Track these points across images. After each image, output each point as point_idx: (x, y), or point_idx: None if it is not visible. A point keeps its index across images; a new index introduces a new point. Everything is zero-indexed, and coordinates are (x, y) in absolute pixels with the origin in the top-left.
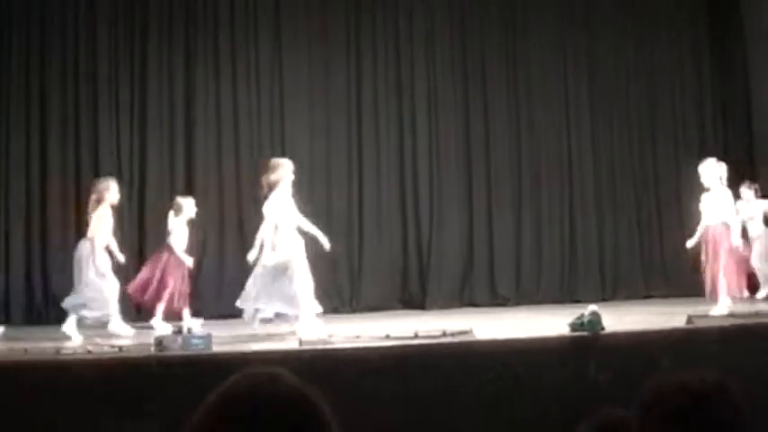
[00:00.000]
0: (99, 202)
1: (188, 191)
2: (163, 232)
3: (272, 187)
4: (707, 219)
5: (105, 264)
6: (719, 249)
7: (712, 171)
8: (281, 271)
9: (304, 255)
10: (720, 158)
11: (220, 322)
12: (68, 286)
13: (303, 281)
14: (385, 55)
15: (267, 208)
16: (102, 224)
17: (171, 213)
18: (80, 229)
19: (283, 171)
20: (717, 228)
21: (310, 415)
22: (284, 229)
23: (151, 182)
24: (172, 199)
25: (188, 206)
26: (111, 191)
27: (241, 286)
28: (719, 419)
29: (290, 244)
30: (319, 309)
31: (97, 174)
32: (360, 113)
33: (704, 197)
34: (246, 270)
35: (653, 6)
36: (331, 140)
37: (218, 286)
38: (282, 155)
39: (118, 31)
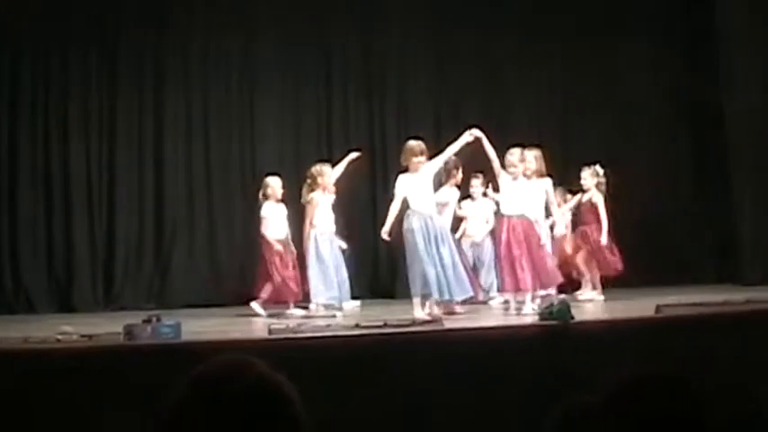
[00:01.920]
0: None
1: (157, 194)
2: (131, 224)
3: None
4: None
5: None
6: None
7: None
8: None
9: None
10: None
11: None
12: (39, 276)
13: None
14: (356, 56)
15: None
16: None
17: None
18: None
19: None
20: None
21: (280, 402)
22: None
23: (120, 186)
24: (141, 204)
25: (273, 187)
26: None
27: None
28: (679, 413)
29: None
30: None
31: (68, 179)
32: (330, 116)
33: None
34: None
35: (624, 9)
36: (301, 144)
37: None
38: (252, 159)
39: (87, 40)
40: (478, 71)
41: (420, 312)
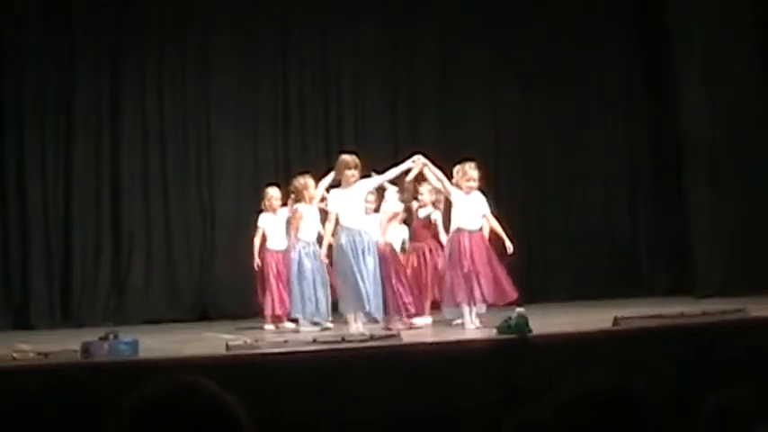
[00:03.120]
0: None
1: (114, 209)
2: (88, 240)
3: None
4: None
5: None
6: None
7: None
8: None
9: None
10: (648, 174)
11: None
12: None
13: None
14: (312, 60)
15: None
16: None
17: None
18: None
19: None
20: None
21: (228, 423)
22: None
23: (76, 203)
24: (97, 220)
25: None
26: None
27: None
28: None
29: None
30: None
31: (23, 195)
32: (287, 120)
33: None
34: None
35: (581, 15)
36: (258, 149)
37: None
38: (209, 172)
39: (43, 49)
40: (435, 72)
41: (354, 328)
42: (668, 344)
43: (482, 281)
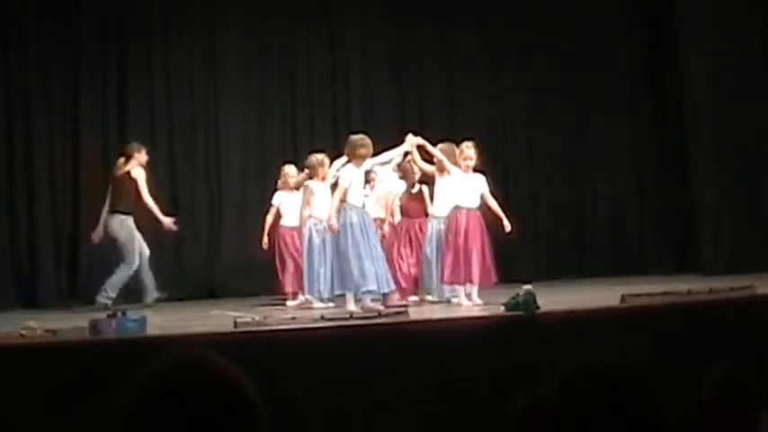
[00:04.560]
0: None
1: None
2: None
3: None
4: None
5: None
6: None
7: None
8: None
9: None
10: (654, 152)
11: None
12: (2, 271)
13: None
14: (320, 52)
15: None
16: None
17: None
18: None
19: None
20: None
21: (236, 396)
22: None
23: (84, 181)
24: (105, 188)
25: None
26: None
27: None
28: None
29: None
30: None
31: (31, 174)
32: (295, 103)
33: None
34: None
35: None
36: (266, 130)
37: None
38: (216, 141)
39: (49, 37)
40: (440, 60)
41: (353, 306)
42: (675, 321)
43: (472, 261)
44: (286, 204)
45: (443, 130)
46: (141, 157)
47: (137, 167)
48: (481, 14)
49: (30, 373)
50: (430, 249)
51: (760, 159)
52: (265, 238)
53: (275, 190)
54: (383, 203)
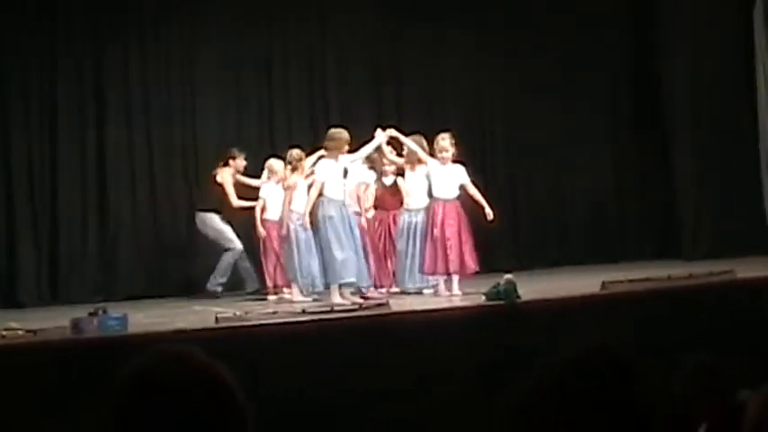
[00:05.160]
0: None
1: (100, 184)
2: (75, 217)
3: None
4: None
5: None
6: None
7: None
8: None
9: None
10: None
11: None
12: None
13: None
14: (297, 46)
15: None
16: None
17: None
18: None
19: None
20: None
21: (219, 391)
22: None
23: (63, 177)
24: (84, 195)
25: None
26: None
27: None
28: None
29: None
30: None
31: (9, 173)
32: (272, 101)
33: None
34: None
35: None
36: (243, 127)
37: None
38: (194, 145)
39: (25, 35)
40: (419, 54)
41: (338, 299)
42: (656, 307)
43: (449, 251)
44: (272, 198)
45: (421, 124)
46: (236, 162)
47: (225, 171)
48: (460, 10)
49: (12, 373)
50: (402, 242)
51: (739, 146)
52: (261, 229)
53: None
54: (355, 197)
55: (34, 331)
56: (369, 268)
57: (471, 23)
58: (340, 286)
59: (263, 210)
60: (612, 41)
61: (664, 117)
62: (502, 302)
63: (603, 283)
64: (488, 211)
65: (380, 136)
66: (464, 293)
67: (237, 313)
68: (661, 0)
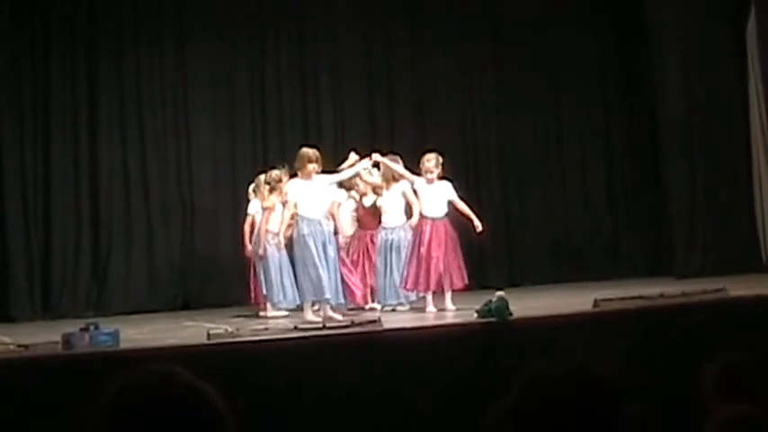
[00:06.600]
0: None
1: (93, 200)
2: (68, 232)
3: None
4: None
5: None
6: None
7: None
8: None
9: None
10: (626, 154)
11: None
12: None
13: None
14: (288, 51)
15: None
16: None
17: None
18: None
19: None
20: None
21: (204, 413)
22: None
23: (56, 193)
24: (77, 210)
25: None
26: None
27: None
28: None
29: None
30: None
31: (1, 176)
32: (265, 112)
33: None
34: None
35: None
36: (236, 140)
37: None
38: (188, 162)
39: (17, 48)
40: (411, 71)
41: (311, 316)
42: (649, 325)
43: (431, 270)
44: (260, 214)
45: (415, 141)
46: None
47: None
48: (453, 22)
49: (2, 388)
50: (381, 259)
51: (732, 164)
52: (249, 246)
53: (248, 201)
54: (329, 215)
55: (26, 346)
56: (343, 286)
57: (462, 40)
58: (313, 303)
59: (252, 226)
60: (604, 58)
61: (656, 135)
62: (494, 320)
63: (596, 300)
64: (477, 223)
65: (363, 162)
66: (456, 309)
67: (229, 329)
68: (653, 18)
